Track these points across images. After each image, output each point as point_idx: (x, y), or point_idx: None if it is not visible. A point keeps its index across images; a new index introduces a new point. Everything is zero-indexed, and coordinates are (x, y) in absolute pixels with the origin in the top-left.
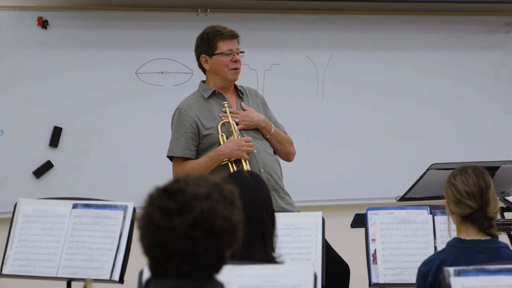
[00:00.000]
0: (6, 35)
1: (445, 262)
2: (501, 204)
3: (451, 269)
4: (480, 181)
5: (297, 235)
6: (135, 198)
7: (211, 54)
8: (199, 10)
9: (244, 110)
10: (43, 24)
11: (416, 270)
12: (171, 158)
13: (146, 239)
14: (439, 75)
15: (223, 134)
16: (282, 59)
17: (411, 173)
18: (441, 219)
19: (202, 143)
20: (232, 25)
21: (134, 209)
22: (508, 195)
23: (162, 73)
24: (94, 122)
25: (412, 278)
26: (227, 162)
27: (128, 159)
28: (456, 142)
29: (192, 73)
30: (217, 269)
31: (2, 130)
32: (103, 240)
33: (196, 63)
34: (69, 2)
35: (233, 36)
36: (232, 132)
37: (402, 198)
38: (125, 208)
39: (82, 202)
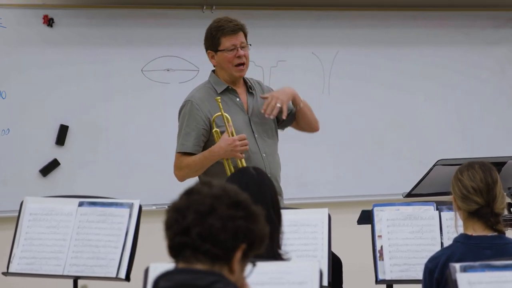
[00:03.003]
0: (11, 33)
1: (451, 258)
2: (508, 200)
3: (457, 265)
4: (487, 177)
5: (303, 232)
6: (142, 196)
7: (216, 50)
8: (204, 7)
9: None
10: (49, 22)
11: (422, 266)
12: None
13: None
14: (445, 71)
15: (217, 130)
16: (288, 56)
17: (417, 169)
18: (447, 215)
19: (210, 140)
20: None
21: (140, 207)
22: None
23: (168, 70)
24: (100, 120)
25: (418, 275)
26: (223, 159)
27: (134, 156)
28: (462, 137)
29: (198, 70)
30: (229, 252)
31: (8, 129)
32: (109, 238)
33: (202, 60)
34: (75, 0)
35: (235, 30)
36: (226, 128)
37: (409, 194)
38: (131, 206)
39: (88, 200)
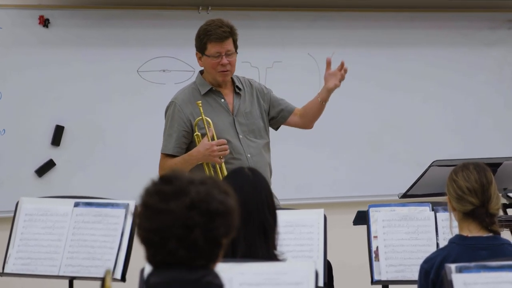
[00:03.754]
0: (7, 34)
1: (447, 259)
2: (504, 201)
3: (452, 266)
4: (481, 178)
5: (299, 233)
6: (137, 196)
7: (202, 53)
8: (200, 8)
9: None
10: (45, 23)
11: (418, 267)
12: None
13: (143, 225)
14: (442, 72)
15: (198, 133)
16: (284, 57)
17: (413, 170)
18: (443, 216)
19: (193, 142)
20: (233, 22)
21: (136, 207)
22: (511, 192)
23: (163, 71)
24: (96, 121)
25: (414, 275)
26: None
27: (130, 157)
28: (459, 138)
29: (194, 71)
30: (214, 256)
31: (4, 129)
32: (105, 239)
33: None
34: (71, 0)
35: (222, 38)
36: (206, 132)
37: (404, 195)
38: (126, 206)
39: (83, 201)
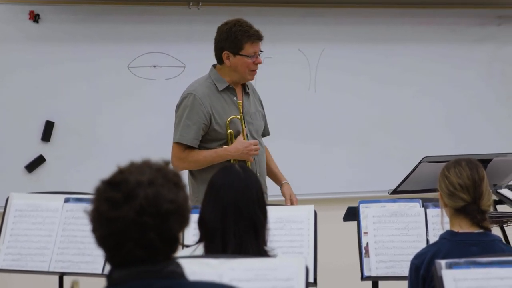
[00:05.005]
0: None
1: (437, 254)
2: (494, 197)
3: (442, 262)
4: (473, 174)
5: (289, 229)
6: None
7: (235, 53)
8: (191, 4)
9: None
10: (35, 18)
11: (408, 263)
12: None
13: (98, 231)
14: (432, 68)
15: (232, 131)
16: (274, 53)
17: (403, 166)
18: (433, 212)
19: (207, 134)
20: (224, 18)
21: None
22: (501, 188)
23: (154, 67)
24: (86, 116)
25: (404, 271)
26: (230, 159)
27: (120, 152)
28: (449, 135)
29: (185, 67)
30: (172, 250)
31: None
32: None
33: (188, 56)
34: None
35: (260, 38)
36: (242, 130)
37: (395, 191)
38: None
39: (74, 197)
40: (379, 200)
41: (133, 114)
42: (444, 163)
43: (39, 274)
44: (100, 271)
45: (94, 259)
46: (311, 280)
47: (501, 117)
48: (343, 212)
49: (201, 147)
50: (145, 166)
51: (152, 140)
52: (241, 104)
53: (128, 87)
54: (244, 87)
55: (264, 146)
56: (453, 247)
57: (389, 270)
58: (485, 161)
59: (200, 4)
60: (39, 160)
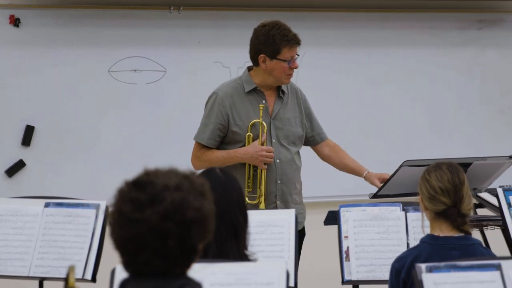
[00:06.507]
0: None
1: (418, 258)
2: (474, 201)
3: (423, 266)
4: (454, 178)
5: (270, 233)
6: (108, 197)
7: (272, 57)
8: (172, 8)
9: None
10: (15, 22)
11: (388, 267)
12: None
13: (117, 233)
14: (412, 72)
15: (251, 134)
16: None
17: (384, 170)
18: (413, 216)
19: (227, 136)
20: (205, 23)
21: (107, 208)
22: (481, 192)
23: (135, 71)
24: (67, 121)
25: (384, 275)
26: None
27: (101, 157)
28: (429, 138)
29: (166, 71)
30: (189, 263)
31: None
32: (75, 239)
33: (169, 60)
34: (42, 0)
35: (299, 43)
36: (259, 135)
37: (375, 195)
38: (97, 207)
39: (54, 201)
40: (360, 204)
41: (114, 119)
42: (425, 167)
43: (19, 279)
44: (80, 276)
45: (75, 263)
46: (291, 284)
47: (481, 121)
48: (323, 216)
49: (221, 147)
50: (172, 171)
51: (133, 145)
52: (262, 107)
53: (108, 91)
54: (279, 91)
55: (294, 152)
56: (433, 250)
57: (369, 274)
58: (465, 165)
59: (181, 8)
60: (19, 165)
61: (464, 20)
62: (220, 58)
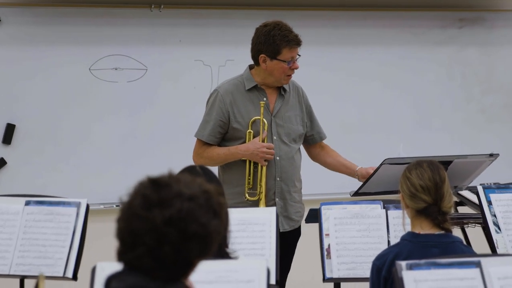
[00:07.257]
0: None
1: (399, 256)
2: (455, 199)
3: (403, 263)
4: (435, 176)
5: (251, 231)
6: (89, 195)
7: (272, 57)
8: (152, 6)
9: None
10: None
11: (369, 265)
12: None
13: (121, 223)
14: (393, 71)
15: (251, 131)
16: (236, 55)
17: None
18: (394, 214)
19: (228, 132)
20: (186, 21)
21: (87, 206)
22: (461, 189)
23: (116, 69)
24: (48, 119)
25: (365, 273)
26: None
27: (82, 155)
28: (410, 136)
29: (147, 69)
30: (183, 273)
31: None
32: (56, 237)
33: (150, 59)
34: None
35: (299, 44)
36: (260, 132)
37: (356, 193)
38: (78, 205)
39: (35, 199)
40: (341, 202)
41: (95, 117)
42: (406, 165)
43: None
44: (61, 274)
45: (55, 262)
46: (272, 281)
47: (461, 119)
48: (304, 214)
49: (222, 144)
50: (196, 182)
51: (113, 143)
52: (263, 104)
53: (89, 89)
54: (280, 88)
55: (295, 150)
56: (414, 248)
57: (350, 272)
58: (445, 163)
59: (162, 6)
60: (0, 163)
61: (445, 18)
62: (201, 57)
